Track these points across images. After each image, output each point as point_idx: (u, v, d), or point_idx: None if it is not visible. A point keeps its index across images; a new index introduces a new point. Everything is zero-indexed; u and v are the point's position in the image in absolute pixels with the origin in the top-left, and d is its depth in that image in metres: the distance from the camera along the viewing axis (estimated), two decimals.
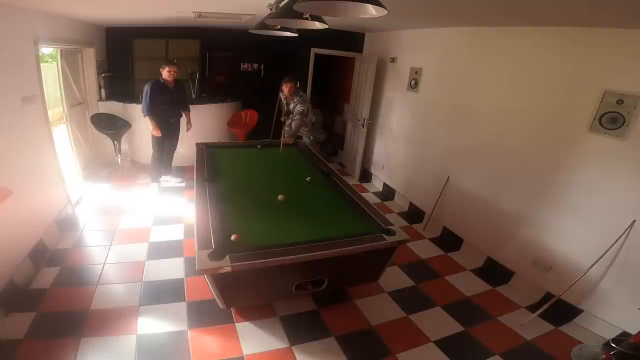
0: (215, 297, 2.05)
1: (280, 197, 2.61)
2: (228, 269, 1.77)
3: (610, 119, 2.34)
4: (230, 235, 2.05)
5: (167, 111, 4.22)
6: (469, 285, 3.03)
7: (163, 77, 4.07)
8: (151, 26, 5.10)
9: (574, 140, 2.59)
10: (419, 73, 4.18)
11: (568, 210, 2.68)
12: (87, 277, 2.74)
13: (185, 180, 4.78)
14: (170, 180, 4.71)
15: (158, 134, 4.16)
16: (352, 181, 5.20)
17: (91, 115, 4.74)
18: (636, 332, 2.10)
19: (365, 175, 5.47)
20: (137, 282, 2.73)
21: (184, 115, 4.50)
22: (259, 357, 2.15)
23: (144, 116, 4.12)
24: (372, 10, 1.43)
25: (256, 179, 3.18)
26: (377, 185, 5.25)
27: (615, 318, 2.40)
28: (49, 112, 3.35)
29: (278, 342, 2.26)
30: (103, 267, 2.88)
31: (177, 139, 4.57)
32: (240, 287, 2.07)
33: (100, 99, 4.94)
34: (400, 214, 4.40)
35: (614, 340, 2.15)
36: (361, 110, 5.14)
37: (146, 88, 4.02)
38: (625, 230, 2.30)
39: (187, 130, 4.49)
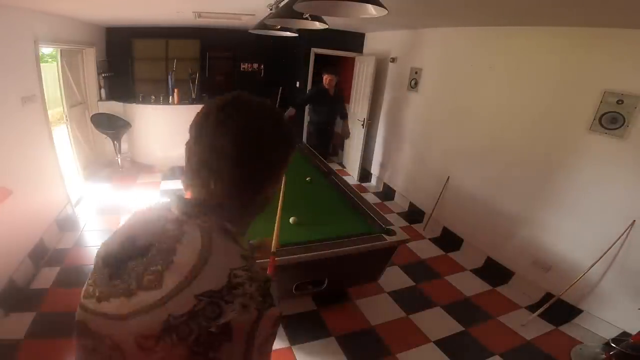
0: None
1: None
2: None
3: (610, 119, 2.34)
4: None
5: (323, 118, 4.43)
6: (469, 285, 3.03)
7: (324, 83, 4.28)
8: (151, 26, 5.10)
9: (574, 140, 2.59)
10: (419, 73, 4.18)
11: (568, 210, 2.68)
12: (87, 277, 2.72)
13: None
14: None
15: (291, 115, 4.29)
16: (352, 181, 5.20)
17: (91, 115, 4.74)
18: (636, 332, 2.10)
19: (365, 175, 5.47)
20: None
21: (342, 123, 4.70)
22: None
23: (290, 106, 4.35)
24: (372, 10, 1.43)
25: None
26: (377, 185, 5.25)
27: (615, 318, 2.40)
28: (49, 112, 3.35)
29: (278, 342, 2.25)
30: None
31: (330, 145, 4.82)
32: None
33: (100, 99, 4.94)
34: (400, 214, 4.40)
35: (614, 340, 2.16)
36: (361, 110, 5.14)
37: (309, 92, 4.35)
38: (625, 230, 2.29)
39: (346, 138, 4.70)
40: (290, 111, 4.31)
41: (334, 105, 4.45)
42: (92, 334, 0.57)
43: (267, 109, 0.65)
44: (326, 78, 4.25)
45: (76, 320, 0.60)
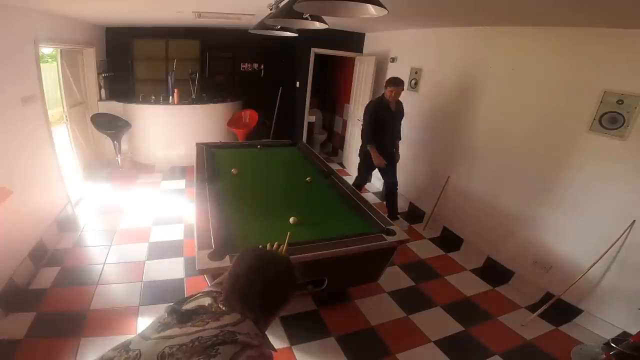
0: None
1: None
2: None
3: (610, 119, 2.34)
4: (230, 234, 2.05)
5: (386, 140, 3.66)
6: (469, 285, 3.03)
7: (386, 96, 3.54)
8: (151, 26, 5.10)
9: (574, 140, 2.59)
10: (419, 73, 4.18)
11: (568, 210, 2.68)
12: (87, 277, 2.74)
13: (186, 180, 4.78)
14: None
15: (383, 163, 3.61)
16: (352, 181, 5.19)
17: (91, 115, 4.74)
18: (636, 332, 2.10)
19: None
20: (137, 282, 2.73)
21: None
22: None
23: (367, 145, 3.60)
24: (372, 10, 1.43)
25: (256, 179, 3.18)
26: (377, 185, 5.24)
27: (615, 318, 2.40)
28: (49, 112, 3.35)
29: (278, 342, 2.25)
30: (103, 267, 2.88)
31: (395, 172, 3.86)
32: None
33: (100, 99, 4.94)
34: (400, 214, 4.39)
35: (614, 340, 2.16)
36: (361, 110, 5.12)
37: (369, 111, 3.54)
38: (625, 230, 2.29)
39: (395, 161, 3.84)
40: (380, 160, 3.58)
41: (397, 122, 3.75)
42: (125, 348, 0.85)
43: (281, 263, 1.01)
44: (391, 91, 3.47)
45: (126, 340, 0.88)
